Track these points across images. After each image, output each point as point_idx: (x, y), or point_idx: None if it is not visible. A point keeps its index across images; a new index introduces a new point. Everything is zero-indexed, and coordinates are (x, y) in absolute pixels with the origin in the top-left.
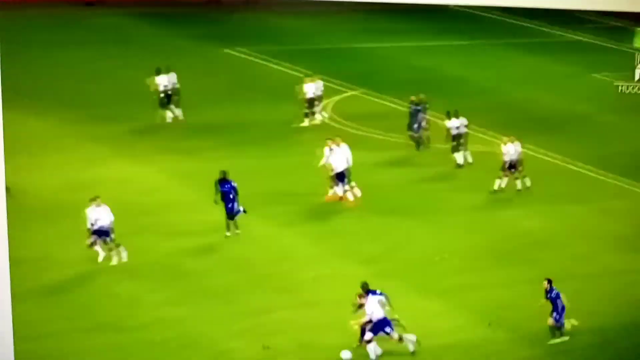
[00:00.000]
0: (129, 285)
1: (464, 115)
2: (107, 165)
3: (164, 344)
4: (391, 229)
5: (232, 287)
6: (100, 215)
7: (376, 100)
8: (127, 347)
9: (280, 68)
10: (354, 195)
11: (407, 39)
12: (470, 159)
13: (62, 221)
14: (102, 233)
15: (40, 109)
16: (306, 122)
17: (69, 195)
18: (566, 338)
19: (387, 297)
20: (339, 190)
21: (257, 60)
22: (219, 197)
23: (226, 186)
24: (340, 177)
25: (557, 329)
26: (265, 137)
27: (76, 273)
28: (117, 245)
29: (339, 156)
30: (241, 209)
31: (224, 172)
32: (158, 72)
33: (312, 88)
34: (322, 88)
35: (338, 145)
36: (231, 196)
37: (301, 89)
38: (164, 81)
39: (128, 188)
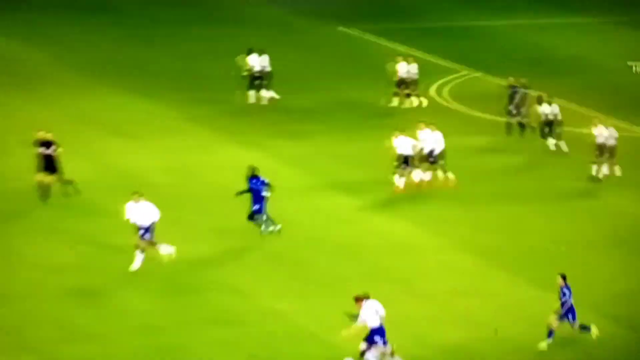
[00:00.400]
0: (235, 278)
1: (579, 96)
2: (213, 149)
3: (273, 337)
4: (500, 217)
5: (343, 278)
6: (139, 213)
7: (490, 80)
8: (235, 341)
9: (394, 46)
10: (446, 178)
11: (524, 16)
12: (565, 148)
13: (166, 206)
14: (144, 230)
15: (149, 91)
16: (395, 102)
17: (173, 179)
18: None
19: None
20: (416, 176)
21: (370, 38)
22: (246, 193)
23: (256, 182)
24: (406, 162)
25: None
26: (369, 119)
27: (183, 263)
28: (156, 246)
29: (406, 141)
30: (275, 226)
31: (253, 168)
32: (249, 52)
33: (404, 68)
34: (417, 70)
35: (425, 129)
36: (261, 194)
37: (393, 67)
38: (255, 62)
39: (233, 173)
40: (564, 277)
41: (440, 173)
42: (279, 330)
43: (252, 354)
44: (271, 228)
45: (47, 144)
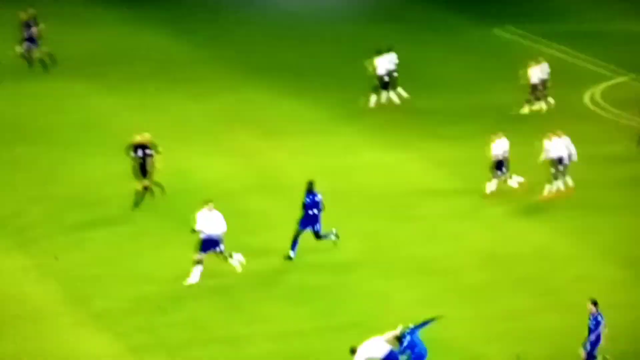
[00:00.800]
0: (379, 283)
1: None
2: (360, 151)
3: None
4: None
5: (485, 286)
6: (211, 222)
7: None
8: None
9: (549, 50)
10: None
11: None
12: None
13: None
14: (211, 243)
15: (297, 89)
16: (526, 109)
17: (322, 181)
18: None
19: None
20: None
21: (524, 40)
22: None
23: (312, 198)
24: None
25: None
26: (503, 124)
27: (323, 266)
28: (229, 256)
29: (502, 145)
30: (332, 233)
31: (310, 183)
32: (379, 53)
33: (537, 72)
34: (549, 71)
35: (559, 137)
36: (312, 212)
37: (525, 73)
38: (384, 62)
39: (377, 174)
40: (594, 303)
41: (564, 181)
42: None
43: None
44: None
45: (143, 147)
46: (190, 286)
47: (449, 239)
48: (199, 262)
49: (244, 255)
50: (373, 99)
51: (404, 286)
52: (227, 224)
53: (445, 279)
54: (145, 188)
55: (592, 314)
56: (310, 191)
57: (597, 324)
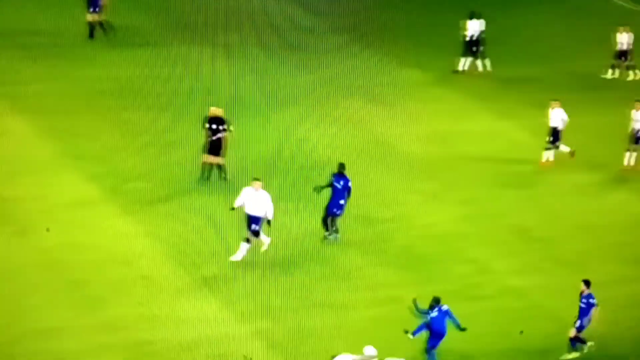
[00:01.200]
0: (479, 250)
1: None
2: (474, 118)
3: (509, 312)
4: None
5: (581, 255)
6: (255, 201)
7: None
8: (473, 314)
9: None
10: None
11: None
12: None
13: (417, 175)
14: (252, 220)
15: (401, 55)
16: (609, 74)
17: (426, 147)
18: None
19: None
20: None
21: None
22: (325, 188)
23: (341, 182)
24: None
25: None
26: (590, 92)
27: (429, 236)
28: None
29: (559, 114)
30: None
31: (342, 165)
32: (471, 17)
33: (625, 39)
34: (630, 41)
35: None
36: (340, 198)
37: (614, 38)
38: (475, 26)
39: (486, 142)
40: (586, 283)
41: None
42: (516, 305)
43: (487, 328)
44: (333, 237)
45: (217, 121)
46: (298, 254)
47: (547, 209)
48: (246, 239)
49: (352, 221)
50: (462, 62)
51: (503, 254)
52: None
53: (543, 248)
54: (219, 166)
55: (583, 295)
56: (339, 174)
57: (589, 305)
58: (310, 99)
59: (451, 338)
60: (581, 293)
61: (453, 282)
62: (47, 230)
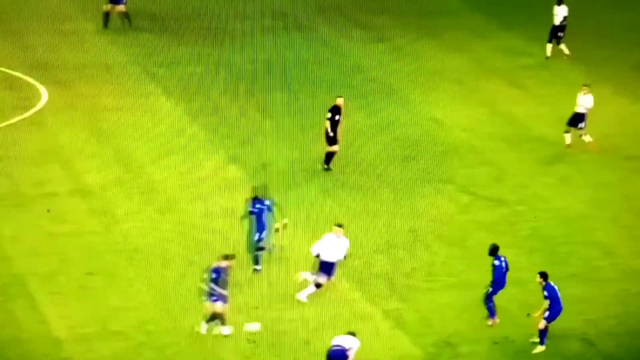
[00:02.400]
0: (603, 234)
1: None
2: (608, 102)
3: (628, 296)
4: None
5: None
6: (334, 248)
7: None
8: (592, 298)
9: None
10: None
11: None
12: None
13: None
14: (325, 267)
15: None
16: None
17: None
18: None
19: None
20: None
21: None
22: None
23: (256, 206)
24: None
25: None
26: None
27: (556, 216)
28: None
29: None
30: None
31: (255, 189)
32: (560, 2)
33: None
34: None
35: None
36: (261, 220)
37: None
38: (563, 12)
39: (624, 126)
40: (542, 275)
41: None
42: (637, 289)
43: (607, 311)
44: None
45: (338, 111)
46: (428, 234)
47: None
48: (317, 285)
49: (482, 203)
50: (549, 48)
51: (627, 237)
52: (471, 173)
53: None
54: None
55: (543, 286)
56: (255, 198)
57: (552, 296)
58: (450, 82)
59: (569, 319)
60: (541, 286)
61: (575, 265)
62: (48, 211)
